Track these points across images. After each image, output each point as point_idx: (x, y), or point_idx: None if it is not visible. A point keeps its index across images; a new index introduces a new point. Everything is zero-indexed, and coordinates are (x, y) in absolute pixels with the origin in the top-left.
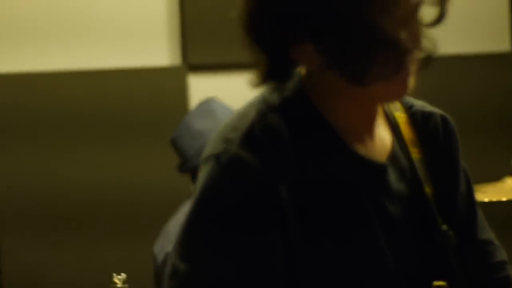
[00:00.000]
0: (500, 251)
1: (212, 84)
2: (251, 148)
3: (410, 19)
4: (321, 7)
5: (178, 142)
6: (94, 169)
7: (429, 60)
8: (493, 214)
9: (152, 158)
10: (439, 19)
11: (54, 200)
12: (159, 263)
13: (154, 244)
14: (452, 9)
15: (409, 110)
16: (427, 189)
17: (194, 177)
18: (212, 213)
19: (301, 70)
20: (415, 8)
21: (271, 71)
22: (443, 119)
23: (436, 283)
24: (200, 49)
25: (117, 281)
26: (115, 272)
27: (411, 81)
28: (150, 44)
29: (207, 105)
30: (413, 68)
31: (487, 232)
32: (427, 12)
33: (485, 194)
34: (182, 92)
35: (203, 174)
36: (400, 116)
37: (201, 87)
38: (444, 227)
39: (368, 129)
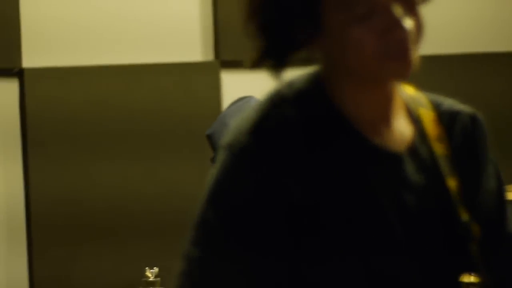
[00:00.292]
0: None
1: (243, 81)
2: (261, 138)
3: None
4: None
5: (213, 138)
6: (127, 163)
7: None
8: None
9: (184, 152)
10: None
11: (85, 194)
12: None
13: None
14: (488, 7)
15: (438, 108)
16: (451, 183)
17: None
18: (220, 201)
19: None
20: None
21: (270, 50)
22: (472, 117)
23: (465, 278)
24: (232, 46)
25: (149, 274)
26: (147, 266)
27: (414, 57)
28: (184, 41)
29: (245, 102)
30: (413, 42)
31: None
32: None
33: None
34: (215, 88)
35: (217, 163)
36: (427, 113)
37: (233, 84)
38: (465, 219)
39: (384, 120)
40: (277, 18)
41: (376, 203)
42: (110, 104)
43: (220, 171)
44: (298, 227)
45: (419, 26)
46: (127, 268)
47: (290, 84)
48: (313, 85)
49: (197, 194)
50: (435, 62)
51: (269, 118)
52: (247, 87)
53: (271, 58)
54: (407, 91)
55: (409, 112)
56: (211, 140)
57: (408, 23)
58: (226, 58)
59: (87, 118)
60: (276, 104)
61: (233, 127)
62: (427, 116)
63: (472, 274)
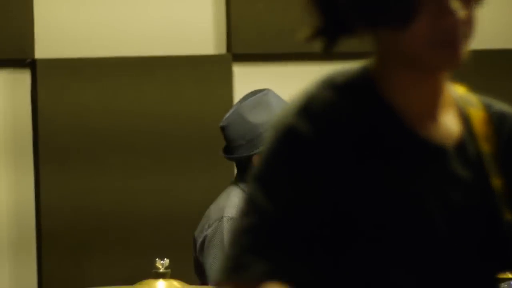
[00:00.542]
0: None
1: (255, 74)
2: (306, 119)
3: None
4: None
5: (228, 130)
6: (137, 155)
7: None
8: None
9: (195, 144)
10: None
11: (97, 183)
12: (198, 247)
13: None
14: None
15: (488, 109)
16: (496, 182)
17: (239, 166)
18: (267, 179)
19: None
20: None
21: (325, 26)
22: None
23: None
24: (245, 39)
25: (159, 265)
26: (158, 257)
27: (464, 49)
28: (197, 34)
29: (263, 97)
30: (464, 34)
31: None
32: None
33: None
34: (226, 81)
35: (266, 142)
36: (477, 112)
37: (245, 77)
38: (509, 219)
39: (432, 114)
40: None
41: (422, 196)
42: (122, 96)
43: (268, 149)
44: (339, 210)
45: (471, 21)
46: (137, 259)
47: (340, 73)
48: (363, 76)
49: (208, 187)
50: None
51: (317, 101)
52: (259, 81)
53: (325, 36)
54: (458, 91)
55: (459, 110)
56: (225, 131)
57: (461, 13)
58: (238, 52)
59: (98, 110)
60: (326, 89)
61: (281, 110)
62: (477, 116)
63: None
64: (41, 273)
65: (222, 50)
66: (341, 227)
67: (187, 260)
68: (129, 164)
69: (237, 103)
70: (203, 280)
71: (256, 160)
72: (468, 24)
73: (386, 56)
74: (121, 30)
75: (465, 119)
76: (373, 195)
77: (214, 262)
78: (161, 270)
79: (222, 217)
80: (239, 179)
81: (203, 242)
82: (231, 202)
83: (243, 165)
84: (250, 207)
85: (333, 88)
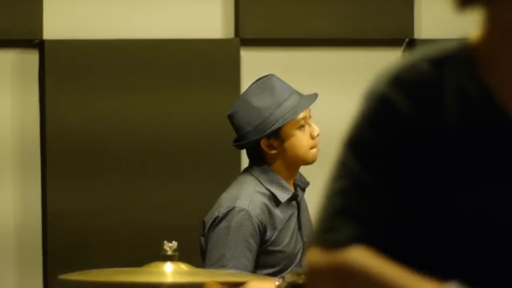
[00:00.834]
0: None
1: (263, 59)
2: (399, 90)
3: None
4: None
5: (235, 117)
6: (144, 137)
7: None
8: None
9: (201, 128)
10: None
11: (104, 165)
12: (206, 231)
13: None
14: None
15: None
16: None
17: (250, 153)
18: (358, 145)
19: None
20: None
21: None
22: None
23: None
24: (252, 24)
25: (167, 248)
26: (166, 240)
27: None
28: (205, 18)
29: (267, 82)
30: None
31: None
32: None
33: None
34: (234, 65)
35: (358, 110)
36: None
37: (252, 61)
38: None
39: None
40: None
41: None
42: (129, 77)
43: (359, 117)
44: (427, 186)
45: None
46: (144, 241)
47: (438, 47)
48: (462, 52)
49: (216, 175)
50: None
51: (411, 73)
52: (267, 65)
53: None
54: None
55: None
56: (233, 120)
57: None
58: (246, 36)
59: (105, 91)
60: (421, 61)
61: (377, 76)
62: None
63: None
64: (46, 253)
65: (230, 34)
66: (431, 201)
67: (195, 244)
68: (136, 138)
69: (243, 93)
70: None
71: (264, 144)
72: None
73: (495, 33)
74: (130, 12)
75: None
76: (467, 176)
77: (215, 247)
78: (169, 252)
79: (233, 207)
80: (251, 166)
81: (210, 226)
82: (244, 192)
83: (253, 151)
84: (341, 172)
85: (429, 61)
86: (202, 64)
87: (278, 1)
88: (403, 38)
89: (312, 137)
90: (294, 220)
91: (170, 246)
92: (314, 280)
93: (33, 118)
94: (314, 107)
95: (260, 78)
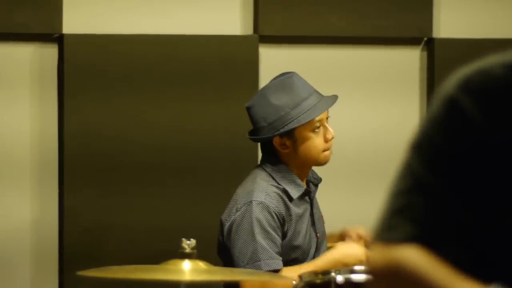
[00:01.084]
0: None
1: (281, 56)
2: (467, 92)
3: None
4: None
5: (252, 111)
6: (161, 133)
7: None
8: None
9: (218, 124)
10: None
11: (120, 162)
12: (225, 231)
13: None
14: None
15: None
16: None
17: (264, 148)
18: (421, 147)
19: None
20: None
21: None
22: None
23: None
24: (271, 21)
25: (185, 246)
26: (184, 237)
27: None
28: (224, 14)
29: (287, 79)
30: None
31: None
32: None
33: None
34: (253, 62)
35: (429, 110)
36: None
37: (271, 59)
38: None
39: None
40: None
41: None
42: (148, 73)
43: (427, 119)
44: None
45: None
46: (162, 238)
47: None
48: None
49: (233, 166)
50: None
51: (481, 75)
52: (285, 63)
53: None
54: None
55: None
56: (250, 113)
57: None
58: (265, 33)
59: (124, 86)
60: (494, 64)
61: (450, 78)
62: None
63: None
64: (62, 250)
65: (249, 31)
66: (495, 207)
67: (213, 242)
68: (155, 133)
69: (263, 87)
70: (227, 263)
71: (276, 143)
72: None
73: None
74: (149, 8)
75: None
76: None
77: (244, 246)
78: (187, 250)
79: (251, 201)
80: (264, 162)
81: (231, 226)
82: (259, 185)
83: (267, 146)
84: (405, 172)
85: (504, 66)
86: (220, 60)
87: None
88: (422, 37)
89: (326, 140)
90: (307, 216)
91: (188, 244)
92: (372, 277)
93: (51, 113)
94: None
95: (282, 75)
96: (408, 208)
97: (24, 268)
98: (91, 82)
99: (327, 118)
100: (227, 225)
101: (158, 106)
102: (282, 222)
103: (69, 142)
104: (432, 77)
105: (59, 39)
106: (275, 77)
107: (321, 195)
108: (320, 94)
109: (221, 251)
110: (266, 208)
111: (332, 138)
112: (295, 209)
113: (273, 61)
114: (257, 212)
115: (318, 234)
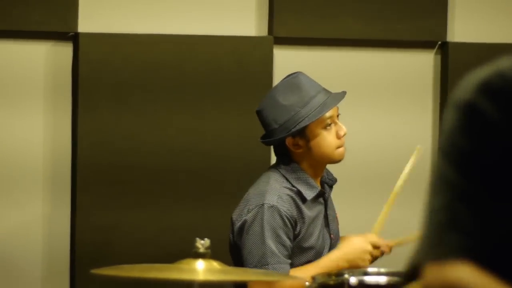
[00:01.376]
0: None
1: (295, 58)
2: (485, 96)
3: None
4: None
5: (263, 114)
6: (175, 133)
7: None
8: None
9: (232, 125)
10: None
11: (134, 161)
12: (235, 230)
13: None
14: None
15: None
16: None
17: (277, 150)
18: (451, 156)
19: None
20: None
21: None
22: None
23: None
24: (286, 22)
25: (199, 245)
26: (198, 237)
27: None
28: (239, 15)
29: (294, 79)
30: None
31: None
32: None
33: None
34: (267, 63)
35: (447, 117)
36: None
37: (285, 60)
38: None
39: None
40: None
41: None
42: (162, 73)
43: (449, 126)
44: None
45: None
46: (175, 238)
47: None
48: None
49: (245, 167)
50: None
51: (499, 78)
52: (299, 64)
53: None
54: None
55: None
56: (261, 116)
57: None
58: (279, 35)
59: (138, 85)
60: (505, 66)
61: (464, 83)
62: None
63: None
64: (73, 262)
65: (264, 32)
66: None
67: (227, 242)
68: (167, 135)
69: (271, 90)
70: (237, 263)
71: (289, 143)
72: None
73: None
74: (164, 7)
75: None
76: None
77: (253, 248)
78: (201, 250)
79: (263, 204)
80: (278, 163)
81: (242, 226)
82: (272, 187)
83: (280, 148)
84: (441, 184)
85: None
86: (234, 61)
87: (312, 0)
88: (436, 41)
89: (339, 137)
90: (321, 217)
91: (202, 244)
92: None
93: (65, 111)
94: (344, 108)
95: (288, 76)
96: (455, 221)
97: (36, 267)
98: (105, 80)
99: (337, 116)
100: (238, 224)
101: (171, 106)
102: (294, 225)
103: (82, 140)
104: (445, 81)
105: (74, 38)
106: (282, 79)
107: (334, 200)
108: (328, 92)
109: (231, 250)
110: (278, 211)
111: (345, 134)
112: (308, 212)
113: (287, 62)
114: (268, 216)
115: (332, 235)
